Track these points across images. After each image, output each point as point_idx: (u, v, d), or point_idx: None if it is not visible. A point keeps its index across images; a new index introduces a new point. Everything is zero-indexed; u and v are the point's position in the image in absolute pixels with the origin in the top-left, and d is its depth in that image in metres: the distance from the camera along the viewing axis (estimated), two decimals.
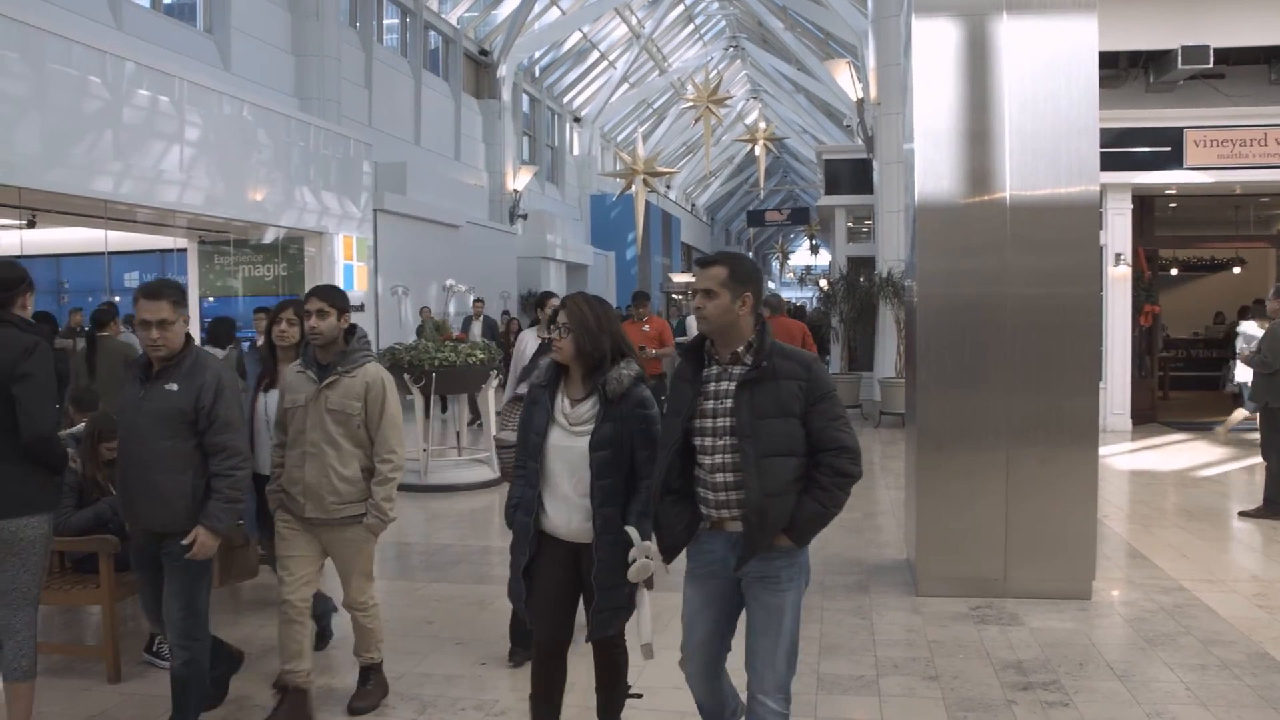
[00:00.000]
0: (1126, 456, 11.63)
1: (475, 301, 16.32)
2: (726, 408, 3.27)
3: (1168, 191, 13.84)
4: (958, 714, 4.40)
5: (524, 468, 3.74)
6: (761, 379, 3.23)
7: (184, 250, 15.17)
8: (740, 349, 3.32)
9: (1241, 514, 8.35)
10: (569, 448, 3.63)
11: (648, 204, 26.64)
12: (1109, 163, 9.03)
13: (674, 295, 35.04)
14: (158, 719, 4.49)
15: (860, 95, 16.44)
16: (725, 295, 3.28)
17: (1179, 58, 12.37)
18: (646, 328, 10.40)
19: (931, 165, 6.17)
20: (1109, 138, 10.73)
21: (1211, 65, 12.50)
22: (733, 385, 3.28)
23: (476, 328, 15.77)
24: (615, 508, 3.59)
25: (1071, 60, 6.02)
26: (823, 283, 27.48)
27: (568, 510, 3.65)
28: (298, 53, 16.94)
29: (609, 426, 3.58)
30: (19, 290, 3.88)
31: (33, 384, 3.75)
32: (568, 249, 28.05)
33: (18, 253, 12.66)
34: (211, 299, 15.09)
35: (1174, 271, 18.52)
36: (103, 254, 13.62)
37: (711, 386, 3.34)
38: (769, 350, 3.27)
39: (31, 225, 11.95)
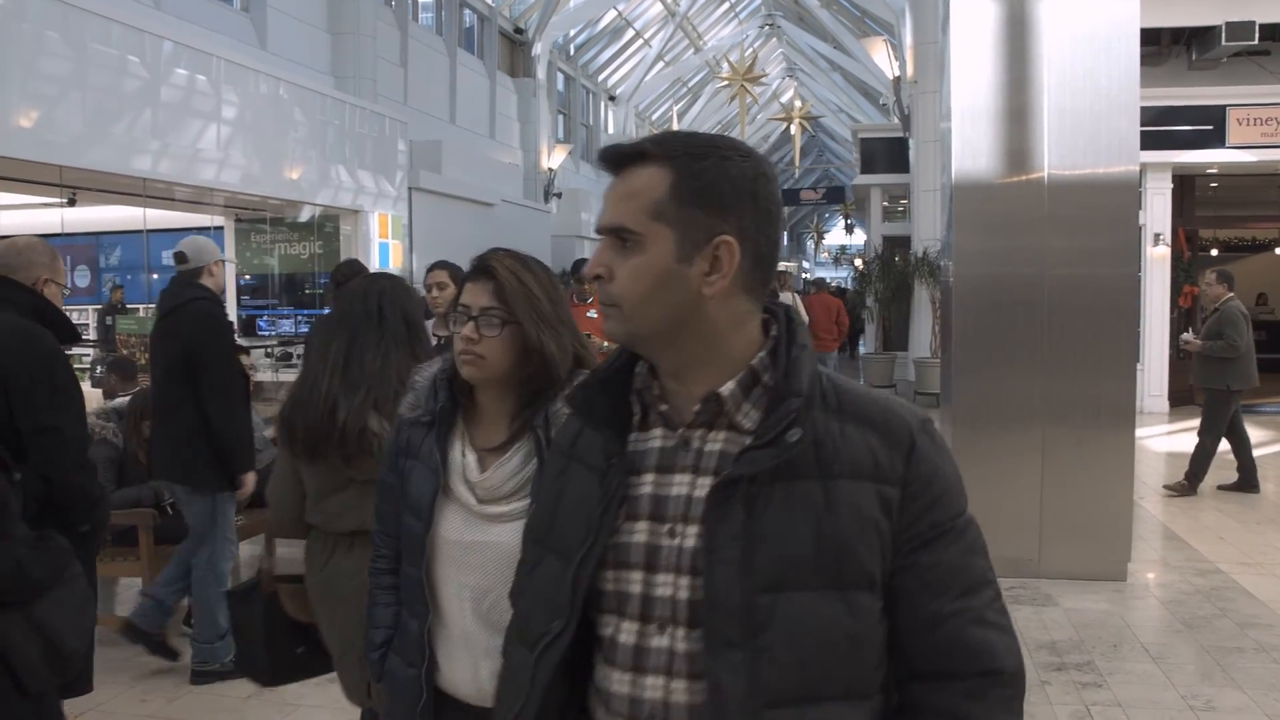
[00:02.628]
0: (1164, 438, 11.53)
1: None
2: (680, 548, 1.32)
3: (1209, 171, 13.65)
4: None
5: (392, 572, 2.19)
6: (782, 474, 1.29)
7: (221, 228, 15.29)
8: (726, 388, 1.33)
9: (1166, 487, 8.57)
10: (478, 545, 2.03)
11: None
12: (1149, 141, 8.91)
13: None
14: (195, 687, 4.58)
15: (897, 73, 16.32)
16: (664, 242, 1.30)
17: (1223, 34, 12.16)
18: (594, 314, 6.77)
19: (969, 143, 6.12)
20: (1149, 116, 10.59)
21: (1257, 42, 12.29)
22: (702, 485, 1.33)
23: None
24: None
25: (1112, 37, 5.95)
26: (858, 262, 27.35)
27: (473, 659, 2.04)
28: (334, 31, 16.98)
29: None
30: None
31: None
32: None
33: (58, 230, 12.83)
34: (248, 276, 15.22)
35: (1214, 252, 18.26)
36: (141, 232, 13.75)
37: (646, 485, 1.36)
38: (804, 393, 1.31)
39: (72, 203, 12.08)
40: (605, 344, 5.05)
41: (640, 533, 1.32)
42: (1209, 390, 8.32)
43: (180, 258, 4.79)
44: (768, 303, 1.36)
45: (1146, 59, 6.30)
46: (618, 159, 1.33)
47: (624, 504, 1.34)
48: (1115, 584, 5.95)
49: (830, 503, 1.27)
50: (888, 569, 1.30)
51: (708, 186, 1.27)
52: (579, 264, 7.26)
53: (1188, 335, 8.18)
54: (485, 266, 2.09)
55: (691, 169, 1.27)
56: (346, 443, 2.63)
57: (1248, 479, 8.45)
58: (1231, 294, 8.33)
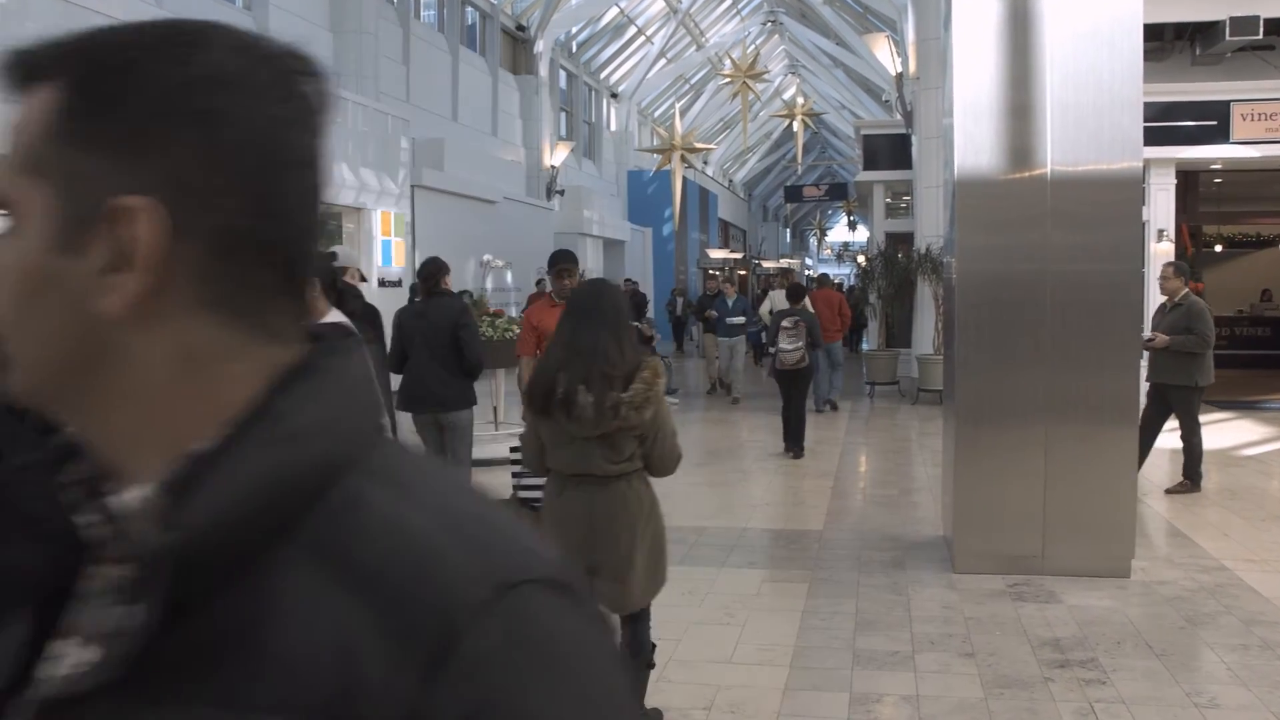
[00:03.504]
0: (1168, 435, 11.49)
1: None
2: None
3: (1213, 167, 13.62)
4: (994, 690, 4.39)
5: None
6: (140, 693, 0.60)
7: None
8: (131, 496, 0.65)
9: (1168, 491, 8.38)
10: None
11: (685, 180, 26.60)
12: (1153, 137, 8.89)
13: (711, 271, 34.99)
14: None
15: (899, 69, 16.31)
16: (38, 216, 0.65)
17: (1226, 29, 12.14)
18: None
19: (971, 140, 6.10)
20: (1153, 112, 10.55)
21: (1261, 36, 12.26)
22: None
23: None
24: None
25: (1115, 32, 5.93)
26: (860, 259, 27.33)
27: None
28: (335, 29, 16.99)
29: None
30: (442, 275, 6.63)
31: (469, 331, 6.53)
32: (605, 225, 28.04)
33: None
34: None
35: (1218, 248, 18.27)
36: None
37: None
38: (191, 533, 0.60)
39: None
40: None
41: None
42: (1176, 388, 8.05)
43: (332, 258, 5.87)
44: (323, 326, 0.77)
45: (1150, 54, 6.29)
46: (12, 76, 0.72)
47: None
48: (1119, 581, 5.94)
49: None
50: None
51: (109, 108, 0.66)
52: (558, 256, 6.44)
53: (1149, 333, 7.94)
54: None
55: (92, 81, 0.67)
56: (567, 408, 3.42)
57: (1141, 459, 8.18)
58: (1188, 288, 8.17)
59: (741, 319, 15.68)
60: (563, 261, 6.38)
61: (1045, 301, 5.99)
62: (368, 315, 4.71)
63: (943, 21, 6.92)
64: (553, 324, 5.52)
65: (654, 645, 4.00)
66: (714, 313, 16.16)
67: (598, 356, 3.42)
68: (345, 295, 4.40)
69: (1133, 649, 4.89)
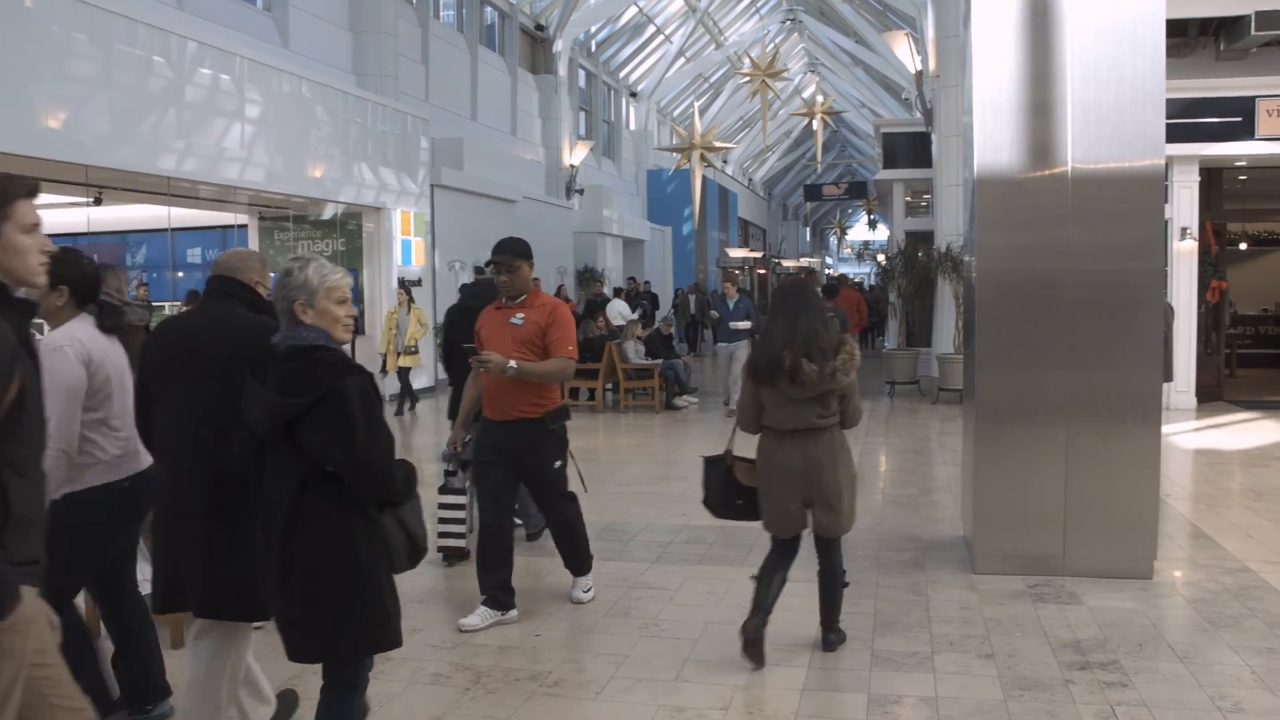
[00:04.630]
0: (1191, 435, 11.42)
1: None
2: None
3: (1237, 164, 13.49)
4: (1014, 692, 4.36)
5: None
6: None
7: (245, 226, 15.39)
8: None
9: None
10: None
11: (704, 179, 26.55)
12: (1176, 134, 8.83)
13: (734, 270, 34.93)
14: None
15: (919, 68, 16.24)
16: None
17: (1252, 24, 11.99)
18: (520, 318, 5.34)
19: (991, 138, 6.06)
20: (1176, 108, 10.49)
21: None
22: None
23: None
24: None
25: (1137, 28, 5.87)
26: (880, 258, 27.24)
27: None
28: (355, 29, 17.04)
29: None
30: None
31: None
32: (624, 224, 28.03)
33: (85, 229, 12.91)
34: (273, 274, 15.29)
35: (1243, 246, 18.08)
36: (166, 230, 13.85)
37: None
38: None
39: (98, 202, 12.18)
40: (510, 364, 5.07)
41: None
42: None
43: (480, 271, 6.29)
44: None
45: (1173, 50, 6.23)
46: None
47: None
48: (1141, 582, 5.89)
49: None
50: None
51: None
52: (497, 246, 5.43)
53: None
54: None
55: None
56: (793, 376, 4.52)
57: None
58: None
59: (745, 323, 13.94)
60: (498, 254, 5.37)
61: (1066, 300, 5.95)
62: (120, 331, 4.17)
63: (962, 19, 6.88)
64: (496, 332, 5.30)
65: (845, 570, 4.95)
66: (715, 313, 14.65)
67: (814, 336, 4.54)
68: (105, 309, 3.91)
69: (1155, 651, 4.84)
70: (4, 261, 2.45)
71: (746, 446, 4.92)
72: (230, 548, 3.45)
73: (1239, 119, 12.57)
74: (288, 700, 4.15)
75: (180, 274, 16.13)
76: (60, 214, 13.26)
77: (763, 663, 4.65)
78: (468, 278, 17.43)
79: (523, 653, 4.94)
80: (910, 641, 5.01)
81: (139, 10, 10.62)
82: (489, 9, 23.35)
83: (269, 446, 3.20)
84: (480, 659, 4.85)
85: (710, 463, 5.03)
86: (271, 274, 3.72)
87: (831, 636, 4.89)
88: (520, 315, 5.31)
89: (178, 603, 3.62)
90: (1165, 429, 6.65)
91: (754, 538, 6.98)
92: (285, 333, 3.26)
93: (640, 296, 23.74)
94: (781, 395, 4.61)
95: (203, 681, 3.61)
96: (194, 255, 16.91)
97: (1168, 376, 7.99)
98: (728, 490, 4.93)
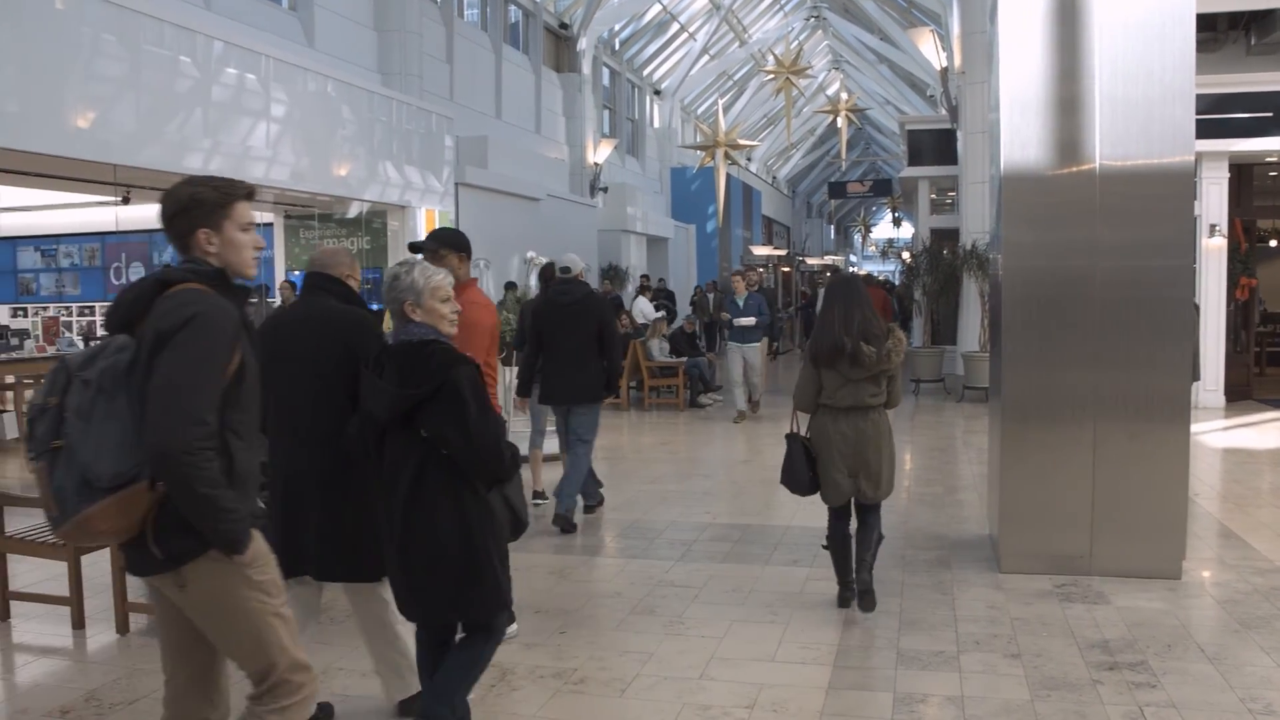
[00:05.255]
0: (1220, 434, 11.32)
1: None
2: None
3: (1268, 159, 13.35)
4: (1040, 692, 4.33)
5: None
6: None
7: (270, 224, 15.47)
8: None
9: None
10: None
11: (728, 176, 26.50)
12: (1205, 130, 8.73)
13: (754, 268, 34.80)
14: None
15: (944, 64, 16.15)
16: None
17: None
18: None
19: (1018, 134, 6.02)
20: (1206, 104, 10.37)
21: None
22: None
23: None
24: None
25: (1167, 23, 5.82)
26: (905, 255, 27.09)
27: None
28: (380, 28, 17.10)
29: None
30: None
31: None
32: (648, 222, 28.00)
33: (113, 228, 13.02)
34: (297, 272, 15.38)
35: (1273, 243, 17.89)
36: None
37: None
38: None
39: (126, 201, 12.26)
40: None
41: None
42: None
43: (566, 270, 7.58)
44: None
45: (1202, 45, 6.16)
46: None
47: None
48: (1169, 582, 5.84)
49: None
50: None
51: None
52: (436, 232, 5.10)
53: None
54: None
55: None
56: (854, 358, 5.14)
57: None
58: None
59: (750, 320, 13.00)
60: (426, 240, 5.01)
61: (1094, 298, 5.90)
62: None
63: (989, 14, 6.84)
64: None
65: (881, 534, 5.49)
66: (728, 315, 13.46)
67: (867, 324, 5.18)
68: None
69: (1184, 652, 4.80)
70: (224, 254, 2.84)
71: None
72: (339, 516, 3.88)
73: (1269, 114, 12.44)
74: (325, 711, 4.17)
75: None
76: (89, 213, 13.39)
77: (874, 607, 5.33)
78: (493, 276, 17.44)
79: (548, 650, 4.95)
80: (936, 640, 4.98)
81: (166, 10, 10.69)
82: (513, 7, 23.39)
83: (388, 432, 3.56)
84: (505, 656, 4.86)
85: (791, 439, 5.48)
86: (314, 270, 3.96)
87: (865, 575, 5.35)
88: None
89: (297, 569, 3.90)
90: (1193, 428, 6.59)
91: (779, 537, 6.99)
92: (397, 329, 3.63)
93: (659, 295, 23.70)
94: (841, 376, 5.21)
95: (375, 633, 4.12)
96: None
97: (1195, 375, 7.92)
98: (806, 465, 5.39)
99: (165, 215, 2.83)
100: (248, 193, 2.90)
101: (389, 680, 4.17)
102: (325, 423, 3.85)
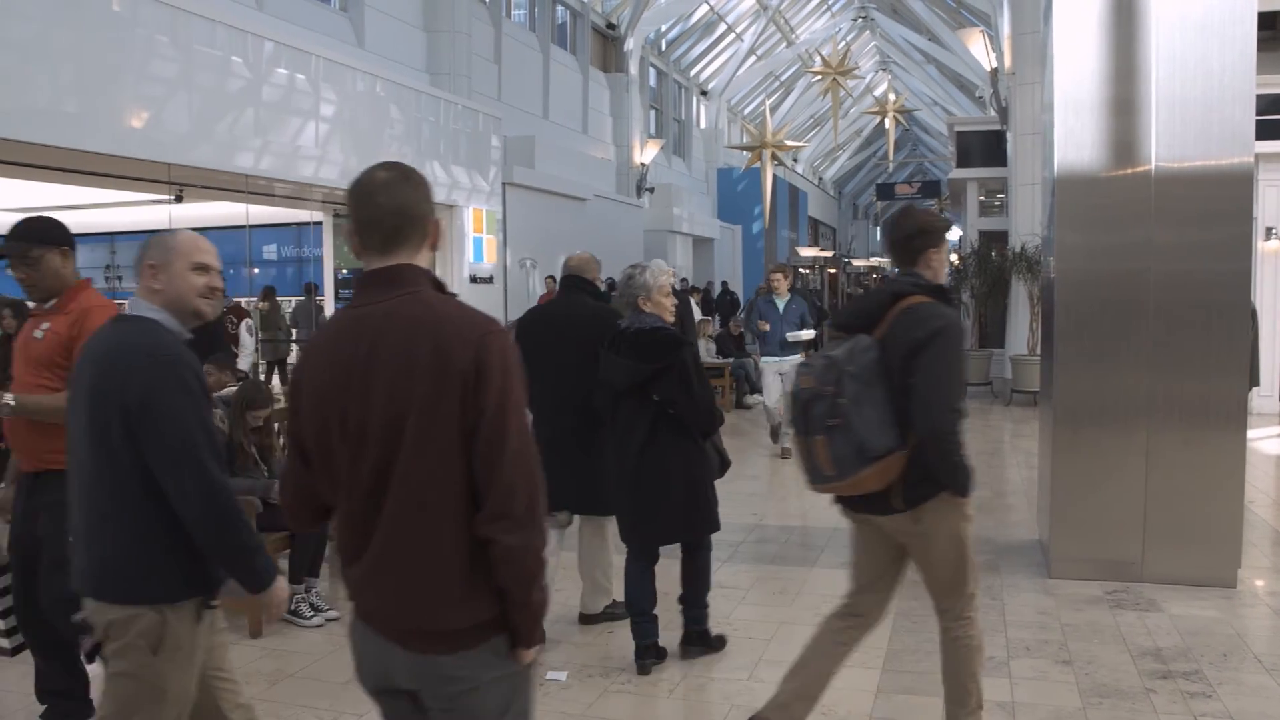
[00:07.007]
0: (1277, 441, 11.11)
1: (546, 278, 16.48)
2: None
3: None
4: (1092, 699, 4.28)
5: None
6: None
7: (319, 223, 15.64)
8: None
9: None
10: None
11: (774, 177, 26.46)
12: (1265, 131, 8.55)
13: (801, 270, 34.66)
14: (294, 671, 4.69)
15: (994, 65, 16.00)
16: None
17: None
18: (43, 329, 3.77)
19: (1072, 135, 5.95)
20: (1266, 104, 10.17)
21: None
22: None
23: None
24: None
25: (1226, 21, 5.71)
26: (953, 257, 26.87)
27: None
28: (429, 29, 17.24)
29: None
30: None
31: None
32: (694, 222, 28.01)
33: (166, 226, 13.18)
34: (345, 270, 15.52)
35: None
36: (244, 227, 14.12)
37: None
38: None
39: (179, 200, 12.44)
40: None
41: None
42: None
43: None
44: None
45: (1263, 44, 6.03)
46: None
47: None
48: (1224, 590, 5.73)
49: None
50: None
51: None
52: (19, 226, 3.76)
53: None
54: None
55: None
56: None
57: None
58: None
59: (807, 333, 10.31)
60: (7, 239, 3.85)
61: (1148, 301, 5.81)
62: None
63: (1042, 14, 6.76)
64: (19, 350, 4.44)
65: None
66: (765, 323, 10.37)
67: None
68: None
69: (1240, 662, 4.72)
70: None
71: None
72: (578, 462, 4.93)
73: None
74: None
75: (256, 270, 16.42)
76: (144, 212, 13.59)
77: None
78: (539, 275, 17.55)
79: (595, 650, 4.95)
80: (986, 646, 4.93)
81: (219, 11, 10.84)
82: (561, 8, 23.47)
83: (622, 397, 4.57)
84: (553, 655, 4.87)
85: None
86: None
87: None
88: (45, 325, 3.72)
89: (558, 505, 4.60)
90: (1250, 434, 6.47)
91: (826, 539, 6.94)
92: (631, 319, 4.65)
93: (723, 297, 23.66)
94: None
95: (593, 557, 5.35)
96: (269, 251, 17.21)
97: (1254, 381, 7.78)
98: None
99: (904, 235, 3.59)
100: (947, 226, 3.72)
101: (593, 593, 5.32)
102: (576, 388, 4.89)
